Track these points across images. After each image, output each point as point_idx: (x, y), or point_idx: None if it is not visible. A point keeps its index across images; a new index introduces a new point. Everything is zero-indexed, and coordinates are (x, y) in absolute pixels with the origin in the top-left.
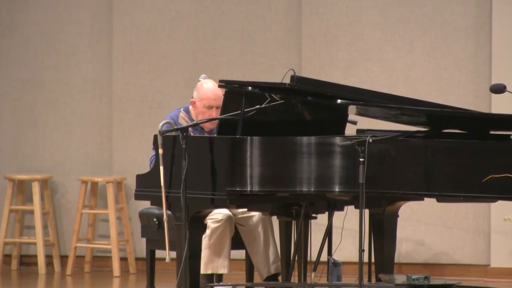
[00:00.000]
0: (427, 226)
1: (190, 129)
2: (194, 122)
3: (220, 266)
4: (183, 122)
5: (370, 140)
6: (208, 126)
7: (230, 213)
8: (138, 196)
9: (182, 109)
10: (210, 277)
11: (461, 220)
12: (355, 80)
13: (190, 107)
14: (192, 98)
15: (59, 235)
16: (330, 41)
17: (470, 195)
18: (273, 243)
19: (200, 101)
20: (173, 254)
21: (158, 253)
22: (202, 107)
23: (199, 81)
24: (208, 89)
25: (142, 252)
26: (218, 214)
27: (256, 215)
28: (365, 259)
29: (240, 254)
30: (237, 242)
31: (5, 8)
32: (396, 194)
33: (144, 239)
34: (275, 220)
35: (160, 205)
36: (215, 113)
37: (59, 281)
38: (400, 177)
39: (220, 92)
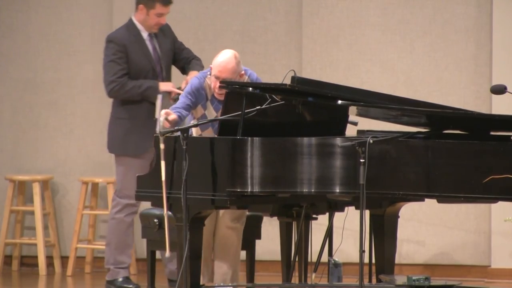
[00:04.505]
0: (427, 227)
1: (209, 96)
2: (195, 123)
3: (203, 276)
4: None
5: (371, 141)
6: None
7: (209, 228)
8: (139, 197)
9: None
10: None
11: (461, 221)
12: (355, 81)
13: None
14: None
15: (59, 236)
16: (330, 41)
17: (471, 196)
18: (236, 260)
19: (212, 69)
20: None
21: (159, 254)
22: (213, 74)
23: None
24: (218, 60)
25: (143, 253)
26: None
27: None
28: (366, 260)
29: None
30: None
31: (5, 8)
32: (396, 194)
33: (144, 240)
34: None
35: (161, 206)
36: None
37: (60, 282)
38: (400, 178)
39: (230, 65)
